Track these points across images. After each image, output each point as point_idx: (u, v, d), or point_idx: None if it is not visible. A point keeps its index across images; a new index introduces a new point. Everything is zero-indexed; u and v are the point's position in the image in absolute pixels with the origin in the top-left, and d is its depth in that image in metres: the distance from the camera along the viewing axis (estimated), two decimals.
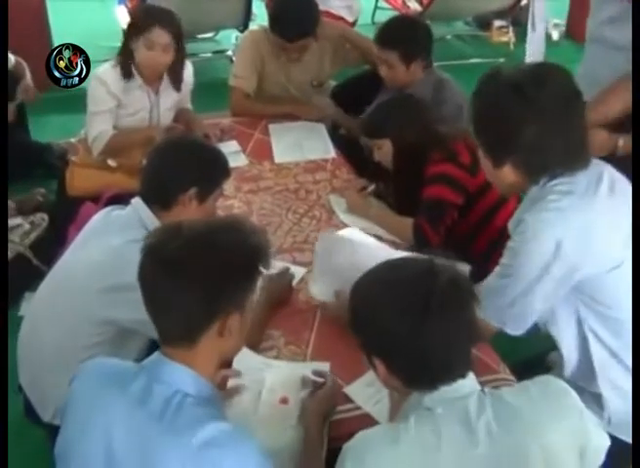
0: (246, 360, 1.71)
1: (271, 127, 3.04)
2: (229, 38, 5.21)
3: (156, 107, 2.83)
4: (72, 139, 2.89)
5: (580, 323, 1.61)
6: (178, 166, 1.83)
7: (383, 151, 2.40)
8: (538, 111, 1.48)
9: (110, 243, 1.74)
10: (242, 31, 4.74)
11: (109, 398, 1.24)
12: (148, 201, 1.83)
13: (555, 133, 1.50)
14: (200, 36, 5.13)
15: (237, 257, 1.26)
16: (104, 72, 2.72)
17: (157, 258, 1.25)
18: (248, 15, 4.62)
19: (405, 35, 2.69)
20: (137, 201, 1.85)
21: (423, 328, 1.18)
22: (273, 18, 2.97)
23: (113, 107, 2.73)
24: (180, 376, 1.24)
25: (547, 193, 1.55)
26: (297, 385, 1.66)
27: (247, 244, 1.30)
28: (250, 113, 3.10)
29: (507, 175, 1.58)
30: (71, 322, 1.75)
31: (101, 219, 1.89)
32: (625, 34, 2.07)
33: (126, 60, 2.71)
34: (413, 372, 1.24)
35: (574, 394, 1.27)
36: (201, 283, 1.22)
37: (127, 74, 2.72)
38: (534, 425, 1.20)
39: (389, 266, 1.30)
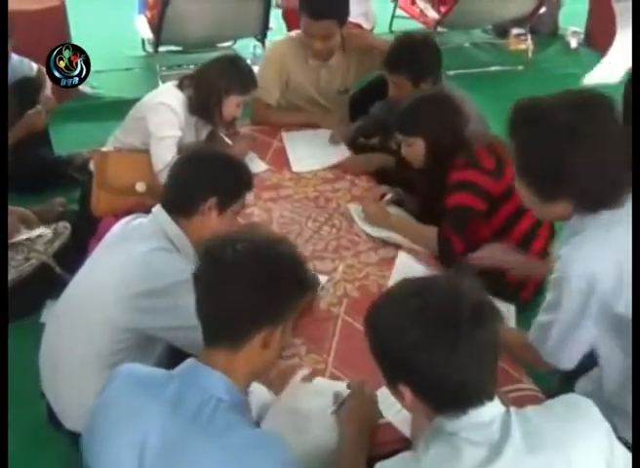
0: None
1: (285, 135, 3.06)
2: (247, 47, 5.23)
3: (198, 138, 2.84)
4: (104, 148, 2.87)
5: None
6: (199, 175, 1.84)
7: (415, 150, 2.36)
8: (588, 150, 1.48)
9: (135, 250, 1.75)
10: (260, 40, 4.79)
11: (143, 402, 1.26)
12: (169, 209, 1.84)
13: (607, 166, 1.50)
14: (219, 45, 5.17)
15: (293, 272, 1.33)
16: (171, 100, 2.68)
17: (218, 261, 1.29)
18: (266, 24, 4.65)
19: (412, 59, 2.68)
20: (158, 209, 1.86)
21: (453, 355, 1.15)
22: None
23: (179, 137, 2.68)
24: (216, 382, 1.27)
25: (587, 226, 1.54)
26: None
27: (303, 263, 1.37)
28: (270, 122, 3.12)
29: (558, 209, 1.58)
30: (94, 329, 1.76)
31: (123, 227, 1.90)
32: None
33: (212, 109, 2.70)
34: (442, 399, 1.21)
35: (598, 412, 1.25)
36: (258, 288, 1.27)
37: (196, 114, 2.73)
38: (560, 444, 1.18)
39: (411, 292, 1.23)
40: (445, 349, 1.15)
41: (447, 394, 1.19)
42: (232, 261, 1.28)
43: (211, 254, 1.32)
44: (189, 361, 1.32)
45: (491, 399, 1.21)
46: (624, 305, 1.51)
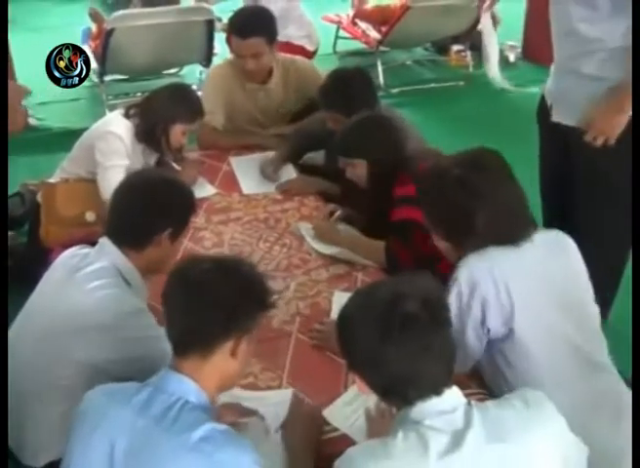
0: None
1: (233, 160, 3.08)
2: (194, 73, 5.28)
3: (146, 165, 2.82)
4: (51, 179, 2.85)
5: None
6: (150, 207, 1.81)
7: (358, 171, 2.43)
8: (484, 199, 1.65)
9: (87, 286, 1.72)
10: (205, 66, 4.83)
11: (113, 410, 1.34)
12: (118, 242, 1.81)
13: (502, 211, 1.67)
14: (165, 72, 5.20)
15: (254, 285, 1.46)
16: (119, 128, 2.68)
17: (185, 279, 1.43)
18: (210, 50, 4.70)
19: (344, 95, 2.73)
20: (105, 241, 1.83)
21: (385, 348, 1.26)
22: (231, 18, 3.20)
23: (126, 165, 2.67)
24: (185, 386, 1.36)
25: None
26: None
27: (264, 280, 1.50)
28: (218, 146, 3.15)
29: (473, 250, 1.70)
30: (47, 364, 1.73)
31: (68, 259, 1.85)
32: (598, 66, 2.17)
33: (159, 137, 2.72)
34: (384, 388, 1.32)
35: (552, 405, 1.33)
36: (222, 301, 1.39)
37: (143, 142, 2.74)
38: (519, 434, 1.26)
39: (368, 289, 1.43)
40: (376, 343, 1.27)
41: (385, 384, 1.31)
42: (200, 278, 1.40)
43: (181, 274, 1.45)
44: (162, 370, 1.40)
45: (437, 394, 1.28)
46: (500, 324, 1.65)
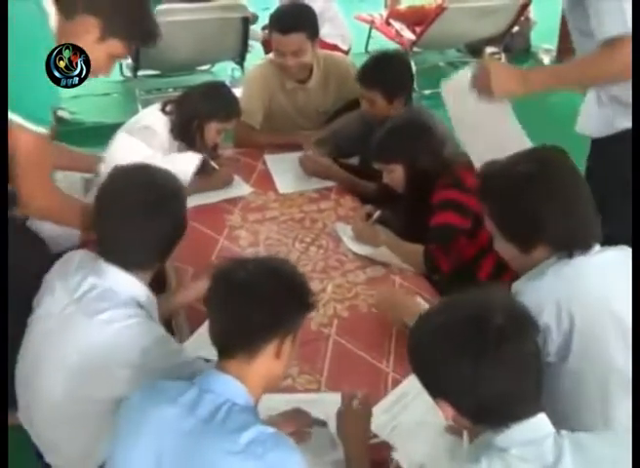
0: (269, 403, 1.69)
1: (268, 158, 3.06)
2: (225, 70, 5.27)
3: None
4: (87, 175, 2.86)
5: None
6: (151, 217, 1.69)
7: (395, 176, 2.42)
8: (554, 196, 1.55)
9: (98, 316, 1.59)
10: (238, 63, 4.82)
11: (159, 410, 1.33)
12: (123, 262, 1.67)
13: (569, 209, 1.57)
14: (198, 68, 5.19)
15: (297, 285, 1.45)
16: (156, 124, 2.69)
17: (230, 281, 1.42)
18: (245, 47, 4.68)
19: (386, 74, 2.73)
20: (103, 265, 1.68)
21: (482, 369, 1.18)
22: (272, 15, 3.16)
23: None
24: (232, 387, 1.36)
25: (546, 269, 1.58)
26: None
27: (305, 280, 1.49)
28: (254, 144, 3.13)
29: (538, 255, 1.61)
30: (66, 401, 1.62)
31: (66, 278, 1.69)
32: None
33: (193, 134, 2.72)
34: (480, 412, 1.24)
35: None
36: (266, 301, 1.38)
37: (178, 138, 2.74)
38: None
39: (443, 308, 1.33)
40: (471, 365, 1.19)
41: (482, 408, 1.22)
42: (244, 280, 1.40)
43: (225, 276, 1.44)
44: (208, 370, 1.42)
45: (533, 414, 1.21)
46: (557, 349, 1.53)
